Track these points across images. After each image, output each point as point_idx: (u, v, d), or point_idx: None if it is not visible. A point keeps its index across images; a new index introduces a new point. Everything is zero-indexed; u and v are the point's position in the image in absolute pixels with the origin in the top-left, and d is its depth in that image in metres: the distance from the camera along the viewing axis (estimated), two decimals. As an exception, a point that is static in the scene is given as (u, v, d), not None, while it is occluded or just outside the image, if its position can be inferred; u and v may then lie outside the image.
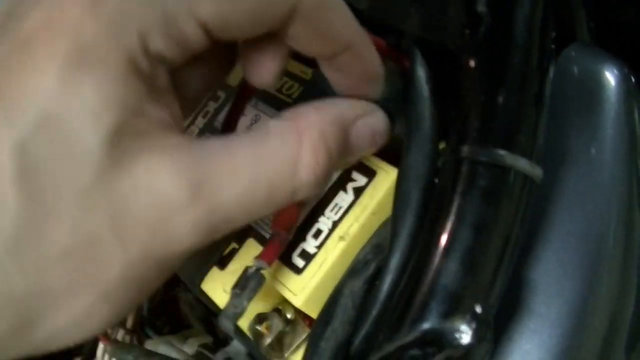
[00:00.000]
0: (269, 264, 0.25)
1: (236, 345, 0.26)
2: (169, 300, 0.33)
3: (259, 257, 0.24)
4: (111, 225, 0.16)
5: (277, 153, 0.19)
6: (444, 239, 0.21)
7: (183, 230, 0.17)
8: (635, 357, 0.26)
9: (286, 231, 0.25)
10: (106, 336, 0.28)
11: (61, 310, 0.16)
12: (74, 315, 0.17)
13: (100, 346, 0.30)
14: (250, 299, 0.25)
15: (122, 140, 0.16)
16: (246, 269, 0.25)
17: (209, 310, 0.36)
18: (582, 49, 0.26)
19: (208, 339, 0.30)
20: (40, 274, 0.16)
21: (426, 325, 0.20)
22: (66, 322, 0.17)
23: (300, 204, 0.25)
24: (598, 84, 0.25)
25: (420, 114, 0.23)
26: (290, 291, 0.25)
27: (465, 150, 0.21)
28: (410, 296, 0.21)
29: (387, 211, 0.25)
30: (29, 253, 0.15)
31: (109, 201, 0.16)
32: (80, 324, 0.17)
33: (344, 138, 0.21)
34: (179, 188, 0.17)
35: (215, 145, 0.18)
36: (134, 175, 0.16)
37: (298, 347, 0.26)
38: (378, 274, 0.23)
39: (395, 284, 0.22)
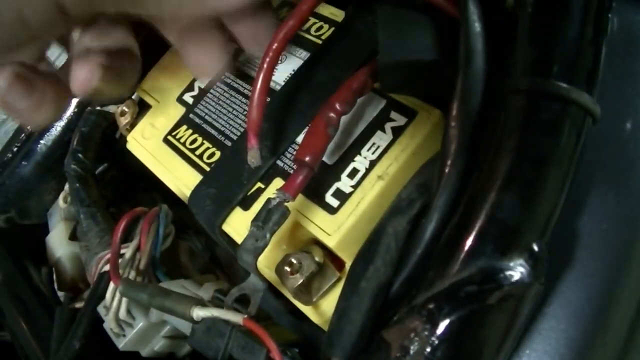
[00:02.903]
0: (294, 196, 0.23)
1: (254, 282, 0.24)
2: (167, 250, 0.31)
3: (282, 189, 0.23)
4: None
5: None
6: (502, 172, 0.20)
7: None
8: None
9: (312, 159, 0.23)
10: (117, 275, 0.26)
11: None
12: None
13: (111, 287, 0.27)
14: (273, 233, 0.23)
15: None
16: (268, 200, 0.23)
17: (212, 260, 0.35)
18: (621, 1, 0.26)
19: (224, 285, 0.28)
20: None
21: (482, 262, 0.19)
22: None
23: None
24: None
25: (472, 49, 0.22)
26: (323, 231, 0.24)
27: (525, 82, 0.20)
28: (465, 231, 0.20)
29: (429, 152, 0.24)
30: None
31: None
32: None
33: None
34: None
35: None
36: None
37: (327, 291, 0.24)
38: (423, 213, 0.22)
39: (442, 223, 0.21)
